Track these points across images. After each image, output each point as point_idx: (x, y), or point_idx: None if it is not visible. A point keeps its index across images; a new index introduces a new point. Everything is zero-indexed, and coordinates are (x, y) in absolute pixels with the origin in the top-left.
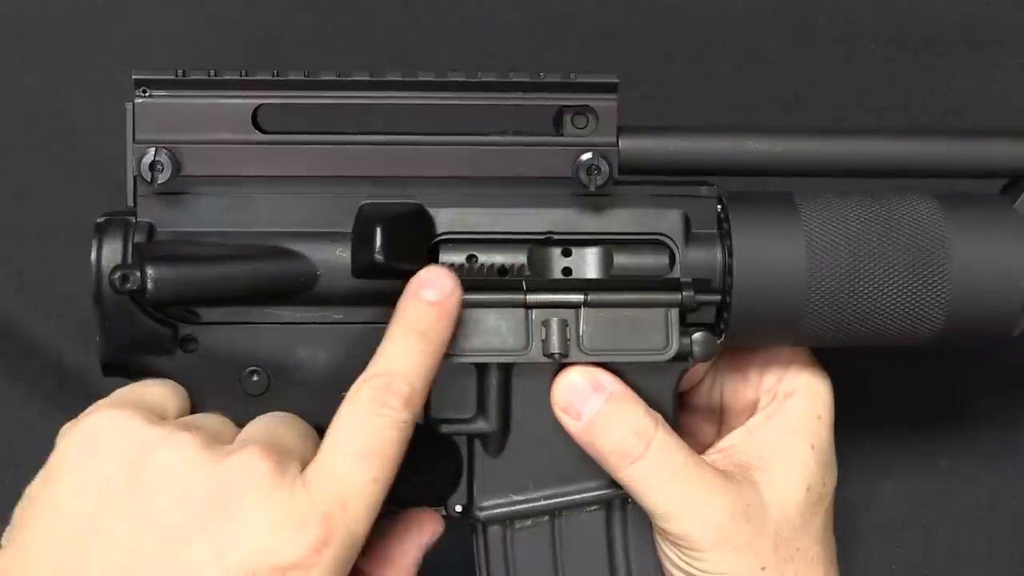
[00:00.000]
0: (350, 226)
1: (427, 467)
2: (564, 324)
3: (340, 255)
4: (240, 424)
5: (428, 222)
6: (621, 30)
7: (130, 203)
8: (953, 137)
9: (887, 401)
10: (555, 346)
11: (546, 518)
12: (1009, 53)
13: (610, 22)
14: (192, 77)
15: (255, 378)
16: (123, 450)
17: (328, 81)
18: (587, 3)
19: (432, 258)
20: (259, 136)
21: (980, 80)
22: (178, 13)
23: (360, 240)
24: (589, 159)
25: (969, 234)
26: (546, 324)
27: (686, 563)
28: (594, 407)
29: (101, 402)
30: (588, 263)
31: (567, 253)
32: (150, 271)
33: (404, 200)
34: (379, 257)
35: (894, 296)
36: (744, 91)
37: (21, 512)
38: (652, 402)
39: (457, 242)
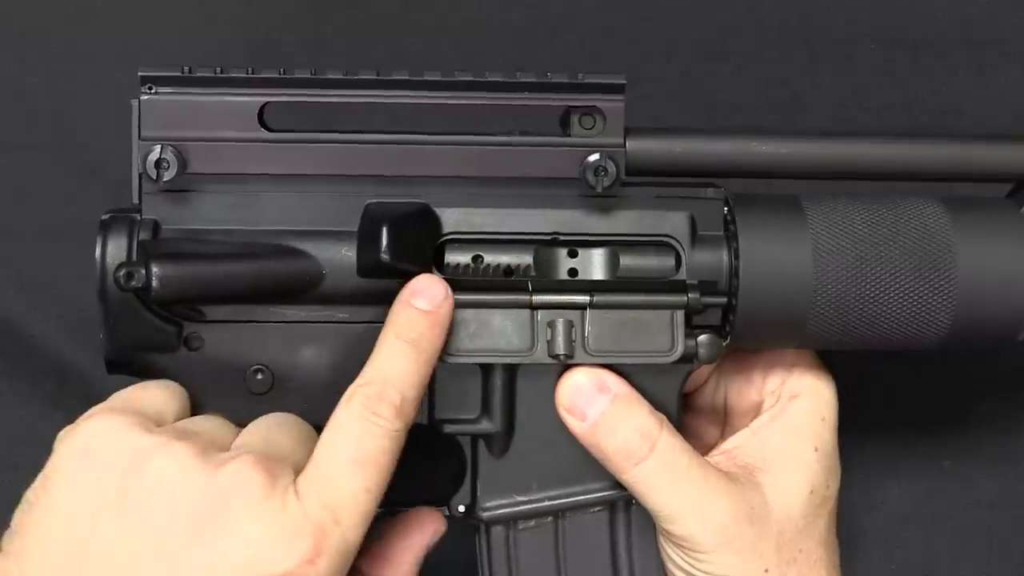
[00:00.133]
0: (356, 225)
1: (431, 467)
2: (570, 325)
3: (346, 254)
4: (241, 424)
5: (434, 222)
6: (621, 30)
7: (135, 200)
8: (959, 141)
9: (890, 404)
10: (560, 347)
11: (549, 519)
12: (1009, 53)
13: (610, 22)
14: (198, 74)
15: (259, 377)
16: (118, 458)
17: (335, 80)
18: (588, 3)
19: (438, 258)
20: (265, 134)
21: (980, 80)
22: (178, 13)
23: (366, 239)
24: (596, 160)
25: (975, 238)
26: (551, 325)
27: (689, 564)
28: (599, 408)
29: (98, 407)
30: (594, 264)
31: (573, 254)
32: (155, 268)
33: (410, 200)
34: (385, 256)
35: (900, 300)
36: (744, 91)
37: (20, 517)
38: (657, 403)
39: (463, 242)
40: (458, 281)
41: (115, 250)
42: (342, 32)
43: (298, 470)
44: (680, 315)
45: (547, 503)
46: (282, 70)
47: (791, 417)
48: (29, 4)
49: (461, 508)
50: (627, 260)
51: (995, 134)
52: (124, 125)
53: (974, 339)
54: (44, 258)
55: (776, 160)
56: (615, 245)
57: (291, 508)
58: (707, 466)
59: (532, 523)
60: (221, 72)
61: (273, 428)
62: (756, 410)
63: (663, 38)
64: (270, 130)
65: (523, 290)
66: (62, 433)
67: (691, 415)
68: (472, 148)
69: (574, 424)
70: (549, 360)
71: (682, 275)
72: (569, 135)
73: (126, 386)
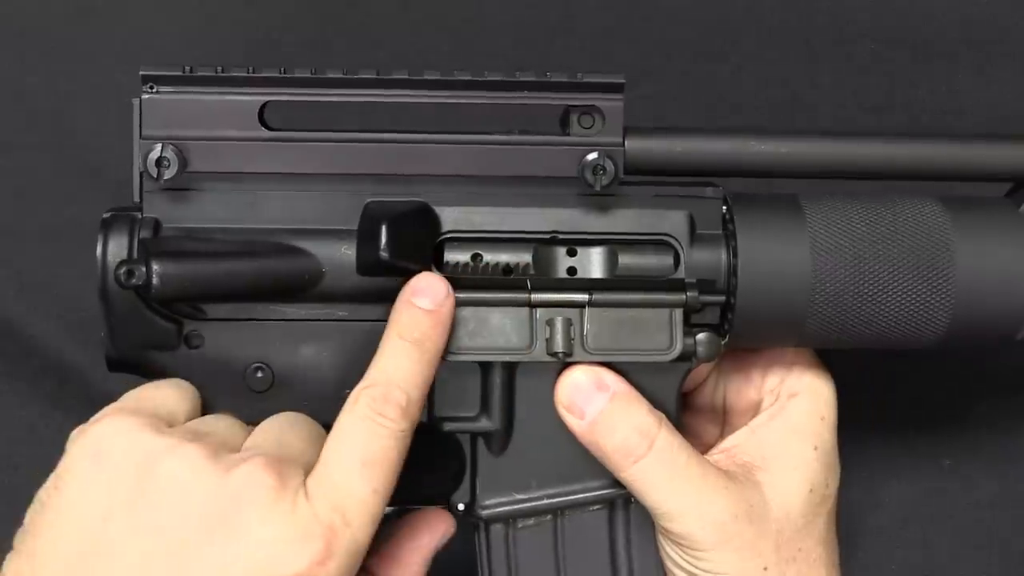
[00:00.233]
0: (356, 224)
1: (430, 465)
2: (568, 323)
3: (345, 252)
4: (252, 423)
5: (433, 220)
6: (621, 30)
7: (136, 199)
8: (958, 140)
9: (890, 403)
10: (559, 345)
11: (549, 517)
12: (1009, 53)
13: (610, 22)
14: (199, 74)
15: (259, 375)
16: (129, 460)
17: (335, 79)
18: (588, 3)
19: (437, 256)
20: (265, 133)
21: (980, 80)
22: (178, 13)
23: (365, 238)
24: (595, 159)
25: (974, 237)
26: (550, 323)
27: (688, 563)
28: (598, 406)
29: (110, 407)
30: (593, 263)
31: (572, 253)
32: (155, 266)
33: (410, 198)
34: (384, 255)
35: (898, 298)
36: (744, 91)
37: (32, 516)
38: (656, 402)
39: (462, 240)
40: (457, 279)
41: (116, 248)
42: (342, 32)
43: (308, 471)
44: (679, 314)
45: (546, 501)
46: (282, 69)
47: (790, 416)
48: (29, 4)
49: (461, 506)
50: (626, 259)
51: (995, 134)
52: (124, 125)
53: (973, 338)
54: (44, 258)
55: (775, 160)
56: (614, 244)
57: (301, 510)
58: (706, 464)
59: (531, 521)
60: (222, 71)
61: (285, 429)
62: (755, 409)
63: (663, 38)
64: (270, 129)
65: (522, 288)
66: (74, 433)
67: (690, 414)
68: (471, 147)
69: (573, 422)
70: (548, 358)
71: (681, 274)
72: (568, 134)
73: (126, 385)
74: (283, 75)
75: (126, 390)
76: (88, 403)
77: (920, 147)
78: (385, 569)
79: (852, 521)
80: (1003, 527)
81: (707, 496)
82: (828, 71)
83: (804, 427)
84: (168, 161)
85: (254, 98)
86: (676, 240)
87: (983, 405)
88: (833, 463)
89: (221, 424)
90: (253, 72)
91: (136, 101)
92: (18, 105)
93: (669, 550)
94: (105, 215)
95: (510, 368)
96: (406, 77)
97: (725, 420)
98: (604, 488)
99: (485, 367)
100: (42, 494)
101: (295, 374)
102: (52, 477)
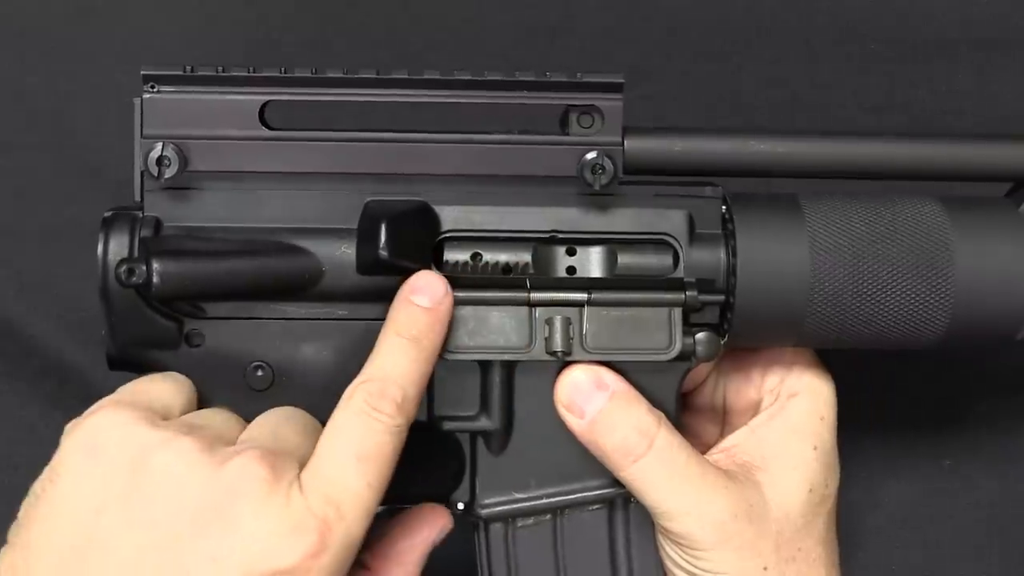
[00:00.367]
0: (355, 223)
1: (430, 464)
2: (567, 322)
3: (345, 251)
4: (245, 420)
5: (433, 219)
6: (621, 30)
7: (137, 198)
8: (958, 140)
9: (890, 403)
10: (558, 344)
11: (548, 516)
12: (1009, 53)
13: (610, 22)
14: (200, 73)
15: (260, 373)
16: (124, 452)
17: (335, 78)
18: (588, 3)
19: (437, 256)
20: (266, 132)
21: (980, 80)
22: (178, 13)
23: (365, 237)
24: (594, 158)
25: (973, 237)
26: (550, 322)
27: (688, 562)
28: (597, 405)
29: (105, 400)
30: (592, 262)
31: (571, 252)
32: (156, 265)
33: (409, 197)
34: (384, 254)
35: (898, 298)
36: (744, 91)
37: (26, 509)
38: (655, 401)
39: (462, 240)
40: (457, 278)
41: (117, 247)
42: (342, 32)
43: (303, 464)
44: (678, 313)
45: (545, 500)
46: (283, 69)
47: (790, 415)
48: (29, 4)
49: (460, 505)
50: (625, 258)
51: (995, 134)
52: (124, 125)
53: (972, 338)
54: (44, 258)
55: (774, 159)
56: (613, 243)
57: (295, 503)
58: (705, 464)
59: (531, 520)
60: (222, 71)
61: (280, 423)
62: (755, 408)
63: (663, 38)
64: (271, 128)
65: (521, 287)
66: (69, 426)
67: (690, 414)
68: (471, 146)
69: (572, 421)
70: (547, 357)
71: (680, 273)
72: (568, 134)
73: (129, 382)
74: (283, 75)
75: None
76: (88, 403)
77: (920, 147)
78: (381, 565)
79: (852, 521)
80: (1003, 527)
81: (707, 495)
82: (828, 71)
83: (804, 427)
84: (169, 160)
85: (255, 97)
86: (675, 239)
87: (983, 405)
88: (833, 463)
89: (216, 418)
90: (254, 72)
91: (137, 100)
92: (18, 105)
93: (669, 550)
94: (106, 214)
95: (509, 367)
96: (406, 77)
97: (725, 420)
98: (604, 487)
99: (484, 366)
100: (36, 487)
101: (295, 373)
102: (47, 470)
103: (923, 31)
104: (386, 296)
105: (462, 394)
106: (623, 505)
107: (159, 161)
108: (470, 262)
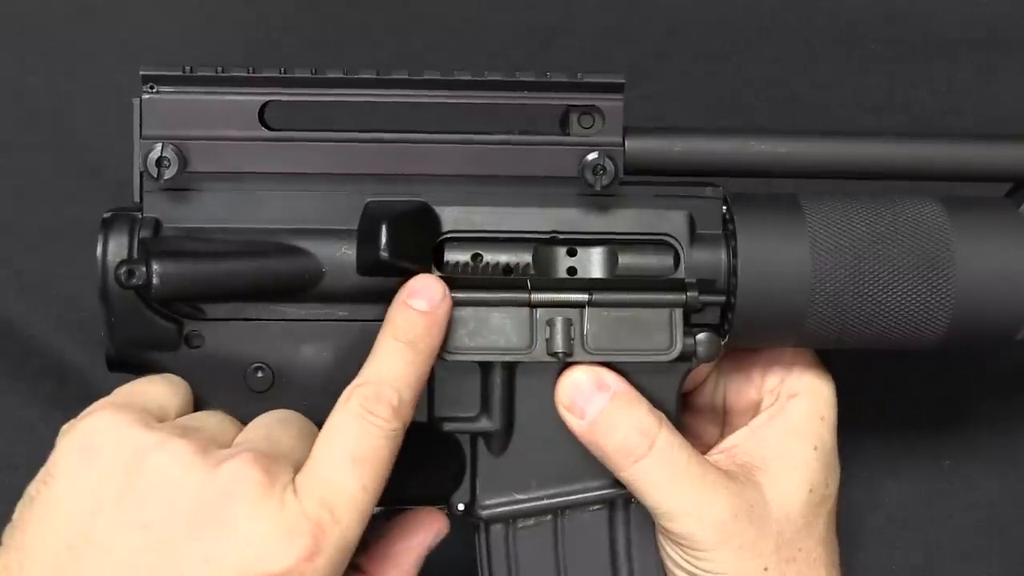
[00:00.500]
0: (356, 223)
1: (430, 465)
2: (568, 323)
3: (345, 252)
4: (244, 421)
5: (433, 220)
6: (621, 30)
7: (136, 199)
8: (958, 140)
9: (890, 403)
10: (559, 345)
11: (549, 517)
12: (1009, 53)
13: (610, 22)
14: (200, 74)
15: (259, 375)
16: (118, 454)
17: (335, 79)
18: (588, 3)
19: (437, 256)
20: (266, 133)
21: (980, 80)
22: (178, 13)
23: (365, 237)
24: (595, 159)
25: (974, 238)
26: (550, 323)
27: (688, 563)
28: (598, 406)
29: (101, 402)
30: (593, 263)
31: (572, 253)
32: (155, 266)
33: (410, 198)
34: (384, 254)
35: (898, 299)
36: (743, 91)
37: (21, 511)
38: (656, 402)
39: (462, 240)
40: (457, 279)
41: (116, 248)
42: (342, 32)
43: (298, 468)
44: (678, 313)
45: (546, 501)
46: (283, 69)
47: (790, 416)
48: (29, 4)
49: (461, 506)
50: (626, 259)
51: (995, 134)
52: (124, 125)
53: (973, 338)
54: (44, 258)
55: (775, 159)
56: (614, 244)
57: (289, 506)
58: (706, 464)
59: (531, 521)
60: (222, 71)
61: (275, 425)
62: (755, 409)
63: (663, 38)
64: (271, 129)
65: (522, 288)
66: (64, 427)
67: (690, 414)
68: (472, 147)
69: (573, 422)
70: (548, 358)
71: (680, 274)
72: (568, 134)
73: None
74: (283, 75)
75: None
76: (87, 403)
77: (920, 147)
78: (377, 568)
79: (852, 521)
80: (1003, 527)
81: (707, 496)
82: (828, 71)
83: (804, 427)
84: (168, 161)
85: (254, 98)
86: (676, 240)
87: (983, 405)
88: (833, 463)
89: (212, 420)
90: (253, 72)
91: (136, 101)
92: (18, 105)
93: (669, 550)
94: (105, 215)
95: (510, 368)
96: (406, 77)
97: (725, 420)
98: (604, 488)
99: (485, 367)
100: (31, 488)
101: (295, 374)
102: (42, 471)
103: (923, 31)
104: (386, 297)
105: (463, 395)
106: (624, 506)
107: (158, 162)
108: (471, 263)
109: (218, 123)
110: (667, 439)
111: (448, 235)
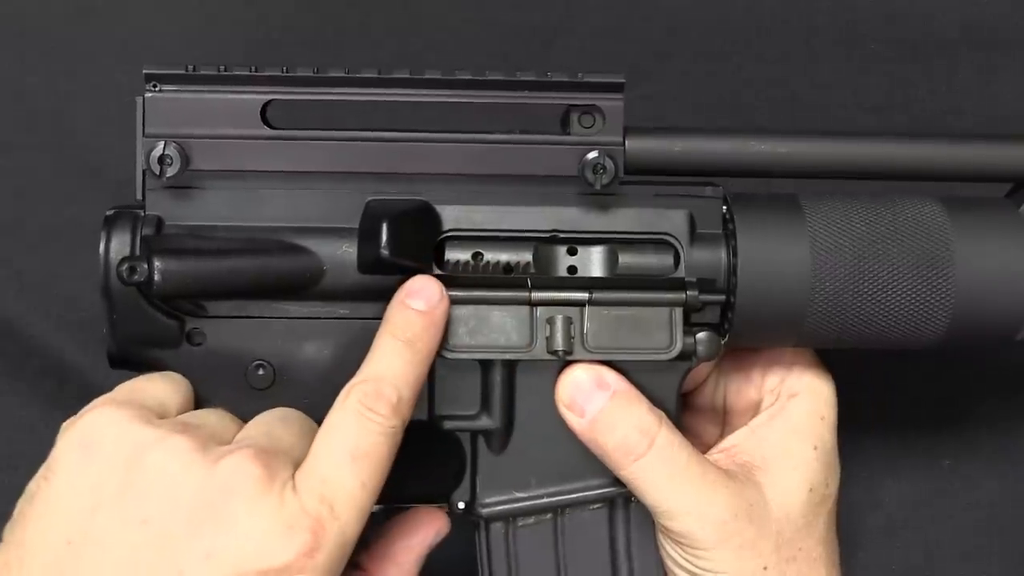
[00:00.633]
0: (357, 222)
1: (430, 463)
2: (568, 322)
3: (346, 250)
4: (245, 419)
5: (434, 219)
6: (621, 30)
7: (139, 197)
8: (958, 140)
9: (890, 403)
10: (559, 343)
11: (549, 515)
12: (1009, 53)
13: (610, 22)
14: (202, 72)
15: (261, 372)
16: (118, 451)
17: (337, 78)
18: (588, 3)
19: (438, 255)
20: (268, 131)
21: (980, 80)
22: (179, 13)
23: (366, 236)
24: (595, 158)
25: (974, 238)
26: (551, 322)
27: (688, 562)
28: (598, 404)
29: (101, 398)
30: (593, 262)
31: (572, 251)
32: (157, 263)
33: (411, 197)
34: (385, 253)
35: (898, 298)
36: (744, 91)
37: (22, 507)
38: (656, 401)
39: (463, 239)
40: (458, 278)
41: (119, 245)
42: (342, 31)
43: (298, 465)
44: (679, 313)
45: (546, 500)
46: (284, 68)
47: (790, 416)
48: (29, 4)
49: (461, 505)
50: (626, 258)
51: (995, 134)
52: (124, 124)
53: (972, 338)
54: (44, 258)
55: (775, 159)
56: (614, 243)
57: (289, 502)
58: (706, 463)
59: (531, 520)
60: (224, 70)
61: (276, 423)
62: (755, 409)
63: (663, 38)
64: (272, 127)
65: (522, 287)
66: (65, 424)
67: (691, 413)
68: (472, 146)
69: (573, 420)
70: (548, 356)
71: (681, 273)
72: (569, 133)
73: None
74: (285, 74)
75: None
76: (87, 403)
77: (920, 147)
78: (377, 566)
79: (852, 521)
80: (1003, 527)
81: (707, 495)
82: (828, 71)
83: (804, 427)
84: (171, 159)
85: (256, 97)
86: (676, 239)
87: (983, 405)
88: (833, 463)
89: (212, 417)
90: (256, 71)
91: (139, 99)
92: (18, 105)
93: (669, 549)
94: (108, 213)
95: (510, 366)
96: (407, 76)
97: (725, 420)
98: (604, 487)
99: (485, 365)
100: (32, 485)
101: (296, 372)
102: (42, 468)
103: (923, 31)
104: (387, 295)
105: (463, 393)
106: (624, 504)
107: (161, 160)
108: (471, 261)
109: (220, 121)
110: (667, 438)
111: (449, 234)
